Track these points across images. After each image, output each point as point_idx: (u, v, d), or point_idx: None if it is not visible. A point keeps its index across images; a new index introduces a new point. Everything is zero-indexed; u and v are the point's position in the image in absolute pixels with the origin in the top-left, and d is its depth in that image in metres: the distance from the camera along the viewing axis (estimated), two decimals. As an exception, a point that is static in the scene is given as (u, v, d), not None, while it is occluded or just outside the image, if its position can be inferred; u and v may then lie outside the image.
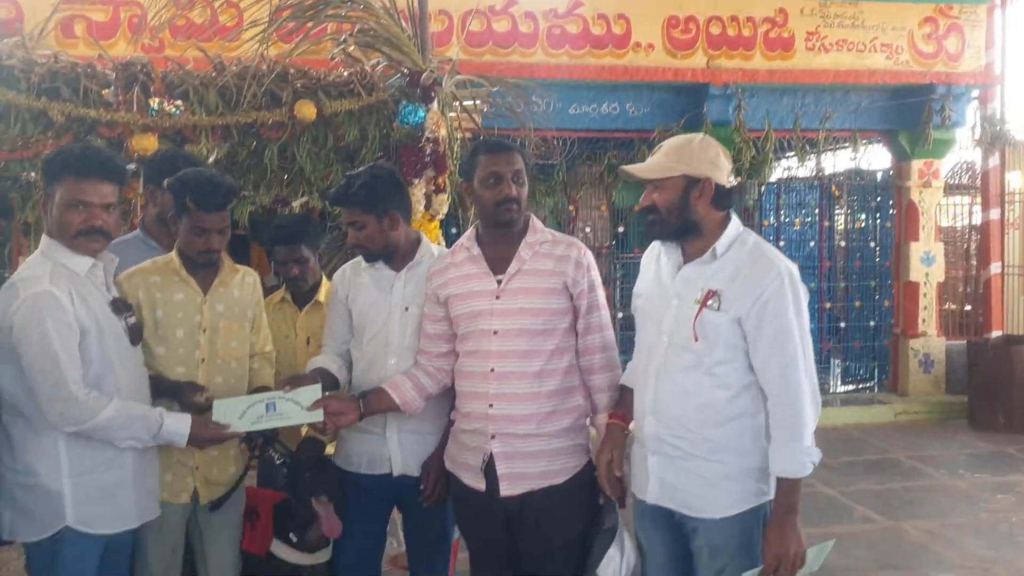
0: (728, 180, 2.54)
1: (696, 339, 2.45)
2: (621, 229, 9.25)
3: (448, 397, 3.00)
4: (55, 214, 2.59)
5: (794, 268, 2.47)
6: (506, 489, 2.77)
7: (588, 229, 9.24)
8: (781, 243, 9.20)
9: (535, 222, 2.91)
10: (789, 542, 2.39)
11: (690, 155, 2.50)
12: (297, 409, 2.81)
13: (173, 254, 2.98)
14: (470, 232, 2.94)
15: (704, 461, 2.49)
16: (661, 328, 2.55)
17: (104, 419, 2.51)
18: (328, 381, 2.99)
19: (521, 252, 2.81)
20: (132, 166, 4.47)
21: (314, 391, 2.85)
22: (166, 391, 2.85)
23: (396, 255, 3.04)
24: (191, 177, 2.88)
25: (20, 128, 4.36)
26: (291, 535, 3.04)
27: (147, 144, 4.37)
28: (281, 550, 3.06)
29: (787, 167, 10.31)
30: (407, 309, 3.03)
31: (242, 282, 3.09)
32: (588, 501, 2.84)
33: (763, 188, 9.44)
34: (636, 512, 2.71)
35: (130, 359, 2.72)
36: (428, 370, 2.94)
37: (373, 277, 3.08)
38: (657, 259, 2.67)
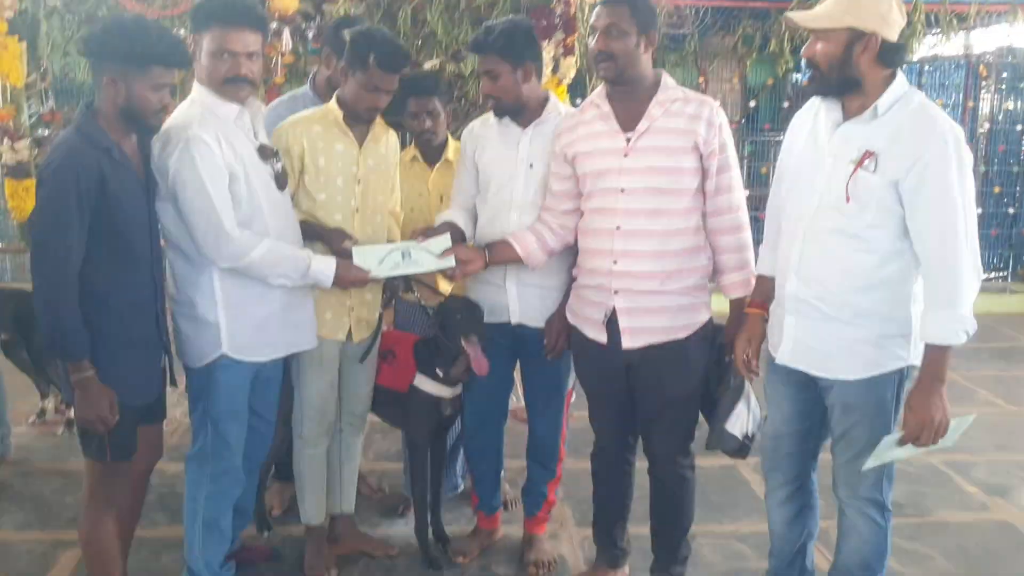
0: (898, 35, 2.39)
1: (848, 200, 2.39)
2: (753, 104, 9.00)
3: (568, 255, 3.09)
4: (203, 62, 2.72)
5: (960, 131, 2.34)
6: (628, 342, 2.85)
7: (718, 103, 9.00)
8: (920, 124, 8.76)
9: (667, 79, 2.88)
10: (934, 410, 2.35)
11: (859, 6, 2.34)
12: (430, 257, 2.98)
13: (333, 105, 3.06)
14: (600, 89, 2.94)
15: (844, 325, 2.47)
16: (813, 187, 2.50)
17: (257, 256, 2.70)
18: (455, 234, 3.10)
19: (651, 110, 2.80)
20: (273, 25, 4.65)
21: (445, 240, 3.01)
22: (314, 236, 3.04)
23: (525, 111, 3.09)
24: (377, 34, 2.97)
25: (169, -15, 4.55)
26: (437, 370, 3.26)
27: (287, 3, 4.52)
28: (426, 384, 3.27)
29: (931, 44, 9.74)
30: (531, 166, 3.09)
31: (387, 141, 3.23)
32: (708, 356, 2.91)
33: (904, 67, 8.96)
34: (767, 367, 2.76)
35: (278, 203, 2.86)
36: (552, 227, 3.02)
37: (500, 133, 3.15)
38: (815, 116, 2.58)
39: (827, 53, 2.40)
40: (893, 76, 2.41)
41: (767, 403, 2.81)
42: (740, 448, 2.87)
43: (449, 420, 3.43)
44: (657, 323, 2.84)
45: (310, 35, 4.77)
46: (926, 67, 9.21)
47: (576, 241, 3.02)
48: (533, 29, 3.14)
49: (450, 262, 2.97)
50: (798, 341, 2.58)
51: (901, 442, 2.43)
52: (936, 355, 2.36)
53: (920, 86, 9.07)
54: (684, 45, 8.42)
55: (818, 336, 2.54)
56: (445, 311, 3.21)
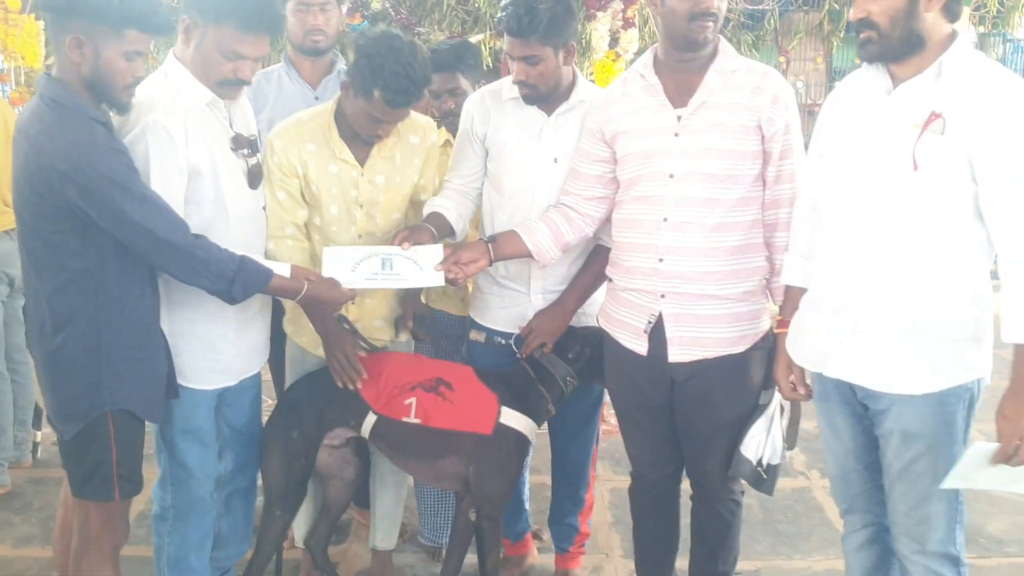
0: None
1: (916, 167, 2.00)
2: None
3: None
4: (202, 52, 2.32)
5: None
6: (676, 355, 2.44)
7: (800, 84, 8.44)
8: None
9: (726, 46, 2.46)
10: None
11: None
12: (415, 269, 2.51)
13: (330, 120, 2.60)
14: (646, 57, 2.52)
15: (908, 327, 2.08)
16: (864, 163, 2.11)
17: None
18: (443, 230, 2.67)
19: (708, 80, 2.39)
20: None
21: (436, 252, 2.53)
22: None
23: (553, 95, 2.67)
24: (387, 64, 2.39)
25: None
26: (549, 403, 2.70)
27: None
28: (515, 419, 2.65)
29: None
30: (556, 160, 2.68)
31: (405, 143, 2.70)
32: (767, 372, 2.48)
33: (1008, 44, 8.28)
34: (817, 392, 2.35)
35: (248, 203, 2.49)
36: (569, 215, 2.60)
37: (517, 116, 2.71)
38: (854, 92, 2.22)
39: (888, 7, 2.04)
40: (952, 35, 2.07)
41: (824, 435, 2.39)
42: (756, 477, 2.48)
43: None
44: (711, 333, 2.42)
45: (344, 10, 4.39)
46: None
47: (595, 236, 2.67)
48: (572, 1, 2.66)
49: (439, 279, 2.51)
50: (854, 350, 2.15)
51: (994, 460, 2.00)
52: None
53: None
54: (763, 23, 7.82)
55: (877, 342, 2.12)
56: (584, 341, 2.72)
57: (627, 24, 4.18)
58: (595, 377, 2.73)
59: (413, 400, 2.59)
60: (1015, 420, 1.97)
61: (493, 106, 2.74)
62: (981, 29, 7.85)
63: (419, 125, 2.75)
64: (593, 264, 2.75)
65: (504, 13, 2.55)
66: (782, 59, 8.29)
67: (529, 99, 2.65)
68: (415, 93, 2.47)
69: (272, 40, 2.39)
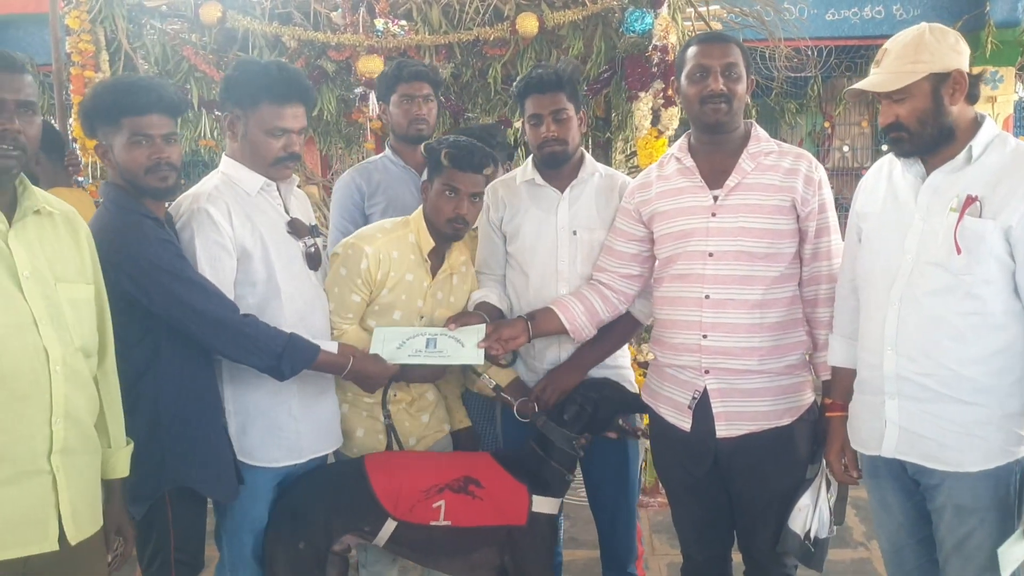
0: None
1: (959, 251, 2.06)
2: (885, 148, 8.42)
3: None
4: (250, 139, 2.46)
5: None
6: (723, 430, 2.48)
7: (846, 148, 8.45)
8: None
9: (759, 131, 2.57)
10: None
11: (929, 48, 2.09)
12: (458, 347, 2.61)
13: (420, 225, 2.72)
14: (682, 141, 2.63)
15: (959, 404, 2.11)
16: (903, 248, 2.17)
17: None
18: (494, 316, 2.77)
19: (742, 163, 2.48)
20: (359, 89, 4.52)
21: (478, 331, 2.63)
22: None
23: (566, 168, 2.80)
24: (451, 137, 2.70)
25: (257, 53, 4.46)
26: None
27: (373, 66, 4.36)
28: (546, 505, 2.64)
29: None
30: (575, 233, 2.78)
31: (468, 272, 2.87)
32: (812, 445, 2.52)
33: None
34: (867, 468, 2.38)
35: (306, 284, 2.57)
36: (603, 292, 2.70)
37: (532, 196, 2.84)
38: (888, 176, 2.29)
39: (915, 110, 2.12)
40: (977, 119, 2.15)
41: (875, 511, 2.41)
42: (804, 552, 2.47)
43: None
44: (757, 407, 2.47)
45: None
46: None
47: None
48: None
49: (479, 358, 2.60)
50: (904, 429, 2.19)
51: None
52: None
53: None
54: (807, 89, 7.89)
55: (928, 420, 2.16)
56: (580, 399, 2.72)
57: (668, 102, 4.30)
58: (605, 428, 2.73)
59: (442, 503, 2.56)
60: None
61: (506, 193, 2.88)
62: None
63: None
64: (615, 329, 2.82)
65: (527, 77, 2.75)
66: (827, 124, 8.34)
67: (556, 158, 2.76)
68: (477, 155, 2.63)
69: (307, 111, 2.51)
